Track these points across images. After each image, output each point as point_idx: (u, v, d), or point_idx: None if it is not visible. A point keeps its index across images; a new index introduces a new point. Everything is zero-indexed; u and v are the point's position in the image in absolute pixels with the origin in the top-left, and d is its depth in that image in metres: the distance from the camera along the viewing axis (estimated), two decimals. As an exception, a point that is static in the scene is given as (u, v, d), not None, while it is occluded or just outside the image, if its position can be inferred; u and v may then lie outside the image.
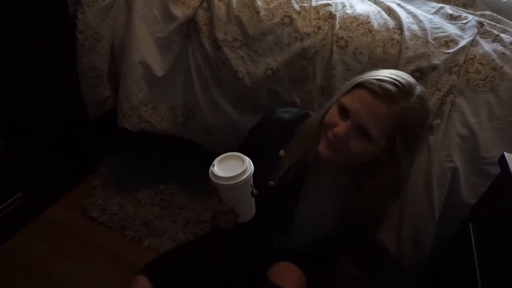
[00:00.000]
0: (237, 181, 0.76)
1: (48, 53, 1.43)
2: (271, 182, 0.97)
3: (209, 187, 0.82)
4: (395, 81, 0.80)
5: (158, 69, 1.41)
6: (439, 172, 1.14)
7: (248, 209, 0.86)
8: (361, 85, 0.83)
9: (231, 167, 0.78)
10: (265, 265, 1.01)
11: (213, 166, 0.79)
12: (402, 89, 0.80)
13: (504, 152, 0.84)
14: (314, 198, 1.01)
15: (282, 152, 0.97)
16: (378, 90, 0.79)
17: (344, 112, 0.85)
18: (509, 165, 0.80)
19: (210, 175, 0.78)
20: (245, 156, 0.80)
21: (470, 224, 0.91)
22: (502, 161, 0.83)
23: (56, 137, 1.57)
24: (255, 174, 0.80)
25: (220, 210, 0.85)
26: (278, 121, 1.02)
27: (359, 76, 0.86)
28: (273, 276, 0.95)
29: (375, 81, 0.81)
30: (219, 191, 0.81)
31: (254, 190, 0.83)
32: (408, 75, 0.86)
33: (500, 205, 0.84)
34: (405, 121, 0.81)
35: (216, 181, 0.77)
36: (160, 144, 1.91)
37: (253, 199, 0.84)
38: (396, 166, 0.88)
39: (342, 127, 0.83)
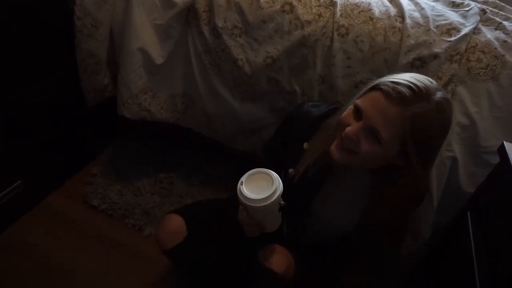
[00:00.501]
0: (267, 203, 0.75)
1: (48, 51, 1.42)
2: (291, 170, 0.97)
3: (237, 202, 0.83)
4: (411, 85, 0.78)
5: (158, 57, 1.40)
6: (438, 161, 1.14)
7: (275, 223, 0.87)
8: (376, 87, 0.82)
9: (260, 187, 0.77)
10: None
11: (242, 184, 0.77)
12: (418, 93, 0.77)
13: (504, 142, 0.84)
14: (334, 198, 1.01)
15: (306, 145, 0.97)
16: (391, 92, 0.78)
17: (358, 113, 0.84)
18: (509, 155, 0.80)
19: (239, 195, 0.77)
20: (273, 173, 0.79)
21: (469, 213, 0.91)
22: (502, 150, 0.83)
23: (56, 128, 1.57)
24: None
25: (247, 223, 0.87)
26: (306, 114, 1.02)
27: (379, 79, 0.85)
28: (262, 258, 0.97)
29: (390, 83, 0.79)
30: (247, 209, 0.80)
31: (281, 203, 0.81)
32: (432, 80, 0.82)
33: (499, 195, 0.84)
34: (417, 127, 0.78)
35: (247, 203, 0.76)
36: (160, 133, 1.90)
37: (280, 212, 0.83)
38: (415, 175, 0.86)
39: (353, 127, 0.83)
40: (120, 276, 1.36)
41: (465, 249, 0.84)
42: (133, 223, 1.56)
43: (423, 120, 0.78)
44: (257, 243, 1.01)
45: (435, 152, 0.87)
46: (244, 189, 0.77)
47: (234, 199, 0.88)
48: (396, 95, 0.77)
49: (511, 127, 1.12)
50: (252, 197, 0.75)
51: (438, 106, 0.78)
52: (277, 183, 0.77)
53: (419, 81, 0.79)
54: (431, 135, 0.81)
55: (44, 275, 1.34)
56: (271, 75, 1.32)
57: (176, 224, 1.04)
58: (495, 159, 0.87)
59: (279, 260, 0.97)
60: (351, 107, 0.87)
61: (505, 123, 1.12)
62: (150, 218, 1.58)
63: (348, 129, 0.84)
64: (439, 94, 0.80)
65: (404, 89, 0.77)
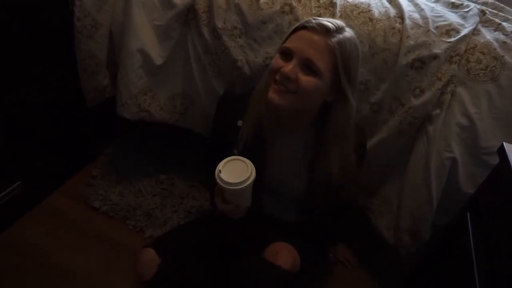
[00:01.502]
0: (244, 185, 0.85)
1: (48, 51, 1.42)
2: (234, 151, 1.03)
3: (215, 189, 0.91)
4: (330, 20, 0.90)
5: (157, 58, 1.40)
6: (438, 162, 1.14)
7: (248, 200, 0.94)
8: (299, 27, 0.91)
9: (237, 172, 0.87)
10: (261, 245, 1.06)
11: (220, 172, 0.87)
12: (336, 25, 0.89)
13: (503, 142, 0.84)
14: (278, 161, 1.06)
15: (240, 122, 1.04)
16: (315, 26, 0.88)
17: (286, 55, 0.91)
18: (508, 155, 0.80)
19: (219, 180, 0.86)
20: (247, 159, 0.88)
21: (468, 214, 0.91)
22: (501, 151, 0.83)
23: (56, 128, 1.57)
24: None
25: (228, 209, 0.94)
26: (232, 96, 1.11)
27: (297, 24, 0.94)
28: (267, 255, 1.00)
29: (312, 20, 0.90)
30: (225, 192, 0.89)
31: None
32: None
33: (498, 195, 0.84)
34: (343, 52, 0.88)
35: (226, 187, 0.85)
36: (160, 133, 1.90)
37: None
38: (345, 106, 0.94)
39: (288, 66, 0.89)
40: (120, 276, 1.36)
41: (464, 250, 0.85)
42: (134, 224, 1.55)
43: (346, 46, 0.89)
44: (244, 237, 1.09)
45: (357, 80, 0.96)
46: (223, 175, 0.86)
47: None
48: (320, 28, 0.88)
49: (510, 128, 1.12)
50: (231, 181, 0.85)
51: (352, 35, 0.92)
52: (252, 168, 0.87)
53: (332, 19, 0.92)
54: (353, 61, 0.92)
55: (44, 275, 1.34)
56: (271, 76, 1.32)
57: (147, 256, 1.08)
58: (495, 160, 0.87)
59: (285, 256, 1.00)
60: (277, 55, 0.93)
61: (505, 123, 1.12)
62: (151, 220, 1.58)
63: (283, 69, 0.89)
64: (348, 27, 0.93)
65: (326, 23, 0.88)
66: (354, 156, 1.02)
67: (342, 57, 0.89)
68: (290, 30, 0.94)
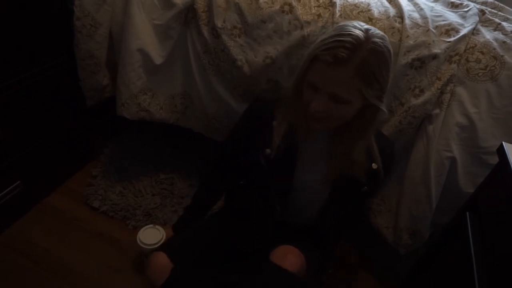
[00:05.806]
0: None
1: (47, 51, 1.42)
2: (267, 150, 1.03)
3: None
4: (343, 43, 0.83)
5: (157, 57, 1.40)
6: (437, 161, 1.14)
7: None
8: (315, 59, 0.88)
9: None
10: (268, 248, 1.06)
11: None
12: (351, 48, 0.83)
13: (503, 142, 0.84)
14: (308, 165, 1.06)
15: (275, 123, 1.04)
16: (329, 60, 0.83)
17: (313, 86, 0.90)
18: (508, 155, 0.80)
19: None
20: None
21: (468, 214, 0.91)
22: (501, 150, 0.83)
23: (56, 127, 1.57)
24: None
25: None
26: (263, 101, 1.11)
27: (312, 48, 0.90)
28: (274, 257, 1.00)
29: (324, 51, 0.85)
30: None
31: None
32: (357, 24, 0.87)
33: (498, 195, 0.84)
34: (364, 74, 0.84)
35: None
36: (160, 133, 1.90)
37: None
38: (373, 109, 0.92)
39: (317, 102, 0.89)
40: (120, 276, 1.37)
41: (464, 249, 0.85)
42: (134, 224, 1.56)
43: (366, 67, 0.84)
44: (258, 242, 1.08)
45: (387, 83, 0.91)
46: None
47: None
48: (334, 60, 0.83)
49: (510, 128, 1.12)
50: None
51: (373, 48, 0.84)
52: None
53: (347, 34, 0.84)
54: (378, 74, 0.87)
55: (44, 275, 1.34)
56: (270, 76, 1.32)
57: (159, 260, 1.07)
58: (494, 160, 0.87)
59: (291, 259, 1.00)
60: (305, 84, 0.93)
61: (504, 123, 1.12)
62: (151, 220, 1.58)
63: (313, 104, 0.90)
64: (371, 33, 0.85)
65: (338, 51, 0.83)
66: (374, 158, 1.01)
67: (364, 80, 0.85)
68: (308, 58, 0.90)
